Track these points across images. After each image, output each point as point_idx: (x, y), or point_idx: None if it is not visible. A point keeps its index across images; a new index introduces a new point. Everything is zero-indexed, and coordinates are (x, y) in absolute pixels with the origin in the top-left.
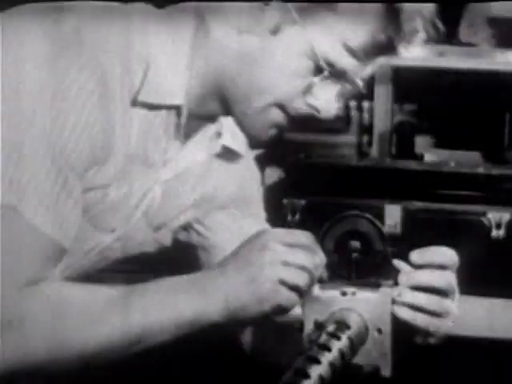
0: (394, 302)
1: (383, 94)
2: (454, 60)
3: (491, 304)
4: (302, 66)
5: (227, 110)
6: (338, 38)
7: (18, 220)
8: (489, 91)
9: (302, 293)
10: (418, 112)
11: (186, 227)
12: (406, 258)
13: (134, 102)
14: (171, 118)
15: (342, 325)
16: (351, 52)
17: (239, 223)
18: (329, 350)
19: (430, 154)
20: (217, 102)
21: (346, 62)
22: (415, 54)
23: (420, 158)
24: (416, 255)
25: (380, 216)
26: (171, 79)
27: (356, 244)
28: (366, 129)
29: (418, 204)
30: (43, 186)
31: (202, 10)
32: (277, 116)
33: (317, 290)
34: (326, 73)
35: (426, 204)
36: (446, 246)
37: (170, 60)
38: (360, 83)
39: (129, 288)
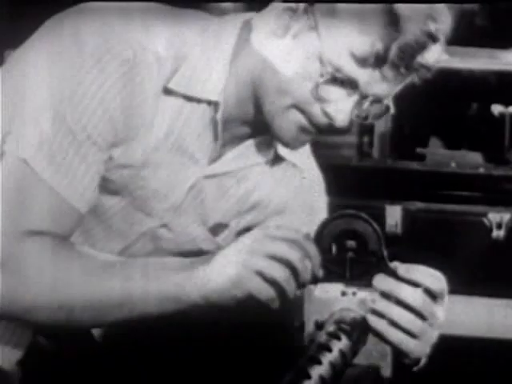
0: (366, 307)
1: None
2: (455, 60)
3: (491, 304)
4: (313, 70)
5: (260, 112)
6: (346, 45)
7: (27, 172)
8: (489, 91)
9: (281, 287)
10: (418, 112)
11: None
12: (404, 259)
13: (165, 90)
14: (211, 115)
15: (343, 325)
16: (356, 60)
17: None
18: (329, 350)
19: (430, 154)
20: (252, 104)
21: (352, 69)
22: None
23: (421, 158)
24: (403, 269)
25: (381, 216)
26: (208, 75)
27: (352, 243)
28: (367, 129)
29: (419, 204)
30: (57, 148)
31: (251, 19)
32: (299, 118)
33: (317, 291)
34: (329, 75)
35: (427, 204)
36: (443, 260)
37: (211, 58)
38: (390, 104)
39: (129, 259)
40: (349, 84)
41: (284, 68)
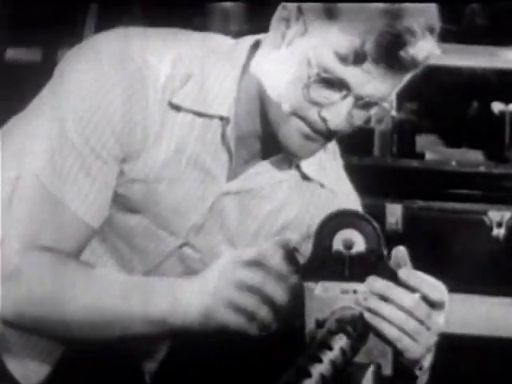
0: (358, 304)
1: None
2: (455, 58)
3: (491, 302)
4: (304, 74)
5: (268, 124)
6: (331, 45)
7: (38, 187)
8: (489, 90)
9: (255, 318)
10: (419, 110)
11: None
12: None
13: (172, 105)
14: (223, 130)
15: (344, 323)
16: (340, 59)
17: None
18: (330, 348)
19: (431, 152)
20: (260, 117)
21: (339, 68)
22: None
23: (421, 156)
24: (404, 273)
25: (381, 215)
26: (217, 91)
27: (352, 242)
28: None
29: (420, 203)
30: (63, 162)
31: (261, 39)
32: (300, 125)
33: (318, 289)
34: (317, 76)
35: (428, 203)
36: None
37: (220, 75)
38: (388, 106)
39: (128, 277)
40: (340, 85)
41: (278, 75)
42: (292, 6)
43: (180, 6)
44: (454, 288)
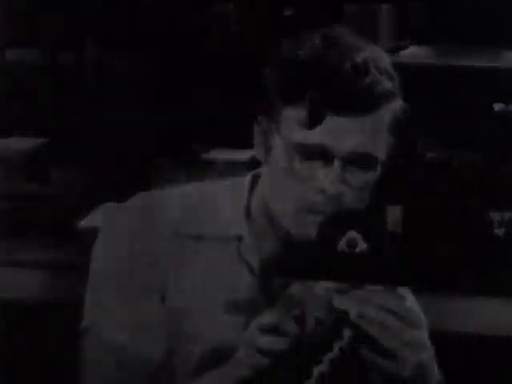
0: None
1: None
2: (454, 58)
3: (492, 302)
4: (290, 161)
5: (287, 233)
6: (295, 120)
7: (93, 338)
8: (489, 89)
9: (265, 371)
10: (419, 110)
11: None
12: (404, 258)
13: (187, 236)
14: (240, 247)
15: (343, 322)
16: (306, 125)
17: None
18: (330, 348)
19: (431, 152)
20: (273, 228)
21: (311, 136)
22: (415, 51)
23: (421, 156)
24: (394, 302)
25: (381, 215)
26: (228, 214)
27: (355, 241)
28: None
29: (419, 203)
30: (111, 310)
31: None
32: (311, 218)
33: (318, 288)
34: (298, 154)
35: (427, 203)
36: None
37: (227, 200)
38: (383, 157)
39: None
40: (322, 152)
41: (276, 184)
42: (262, 118)
43: (180, 5)
44: (453, 289)
